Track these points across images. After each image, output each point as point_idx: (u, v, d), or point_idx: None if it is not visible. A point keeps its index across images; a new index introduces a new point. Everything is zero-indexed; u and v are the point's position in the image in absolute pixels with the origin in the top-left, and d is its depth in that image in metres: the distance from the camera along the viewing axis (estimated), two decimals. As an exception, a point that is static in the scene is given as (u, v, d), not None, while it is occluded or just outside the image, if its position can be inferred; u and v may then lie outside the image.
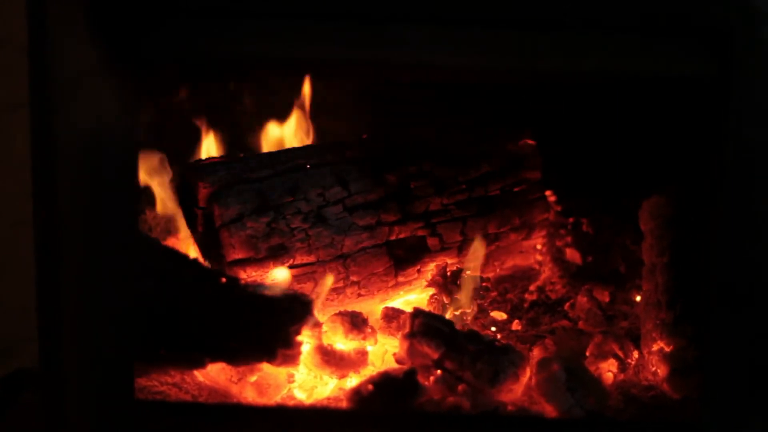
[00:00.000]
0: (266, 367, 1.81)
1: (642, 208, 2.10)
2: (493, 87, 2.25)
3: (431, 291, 2.11)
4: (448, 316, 2.02)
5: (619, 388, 1.87)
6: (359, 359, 1.88)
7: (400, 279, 2.09)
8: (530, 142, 2.28)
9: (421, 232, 2.10)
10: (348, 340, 1.90)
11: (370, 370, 1.88)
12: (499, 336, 2.06)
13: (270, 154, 2.14)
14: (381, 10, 1.47)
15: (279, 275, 1.93)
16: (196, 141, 2.24)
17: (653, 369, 1.89)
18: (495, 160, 2.21)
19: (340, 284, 2.02)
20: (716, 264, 1.52)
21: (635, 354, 1.94)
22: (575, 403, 1.75)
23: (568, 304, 2.16)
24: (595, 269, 2.27)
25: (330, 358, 1.86)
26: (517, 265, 2.28)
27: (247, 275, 1.92)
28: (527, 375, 1.82)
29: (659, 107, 2.19)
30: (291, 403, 1.84)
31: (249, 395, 1.82)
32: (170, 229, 2.26)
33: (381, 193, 2.06)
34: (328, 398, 1.85)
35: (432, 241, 2.11)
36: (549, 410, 1.76)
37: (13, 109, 1.72)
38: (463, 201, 2.15)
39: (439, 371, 1.81)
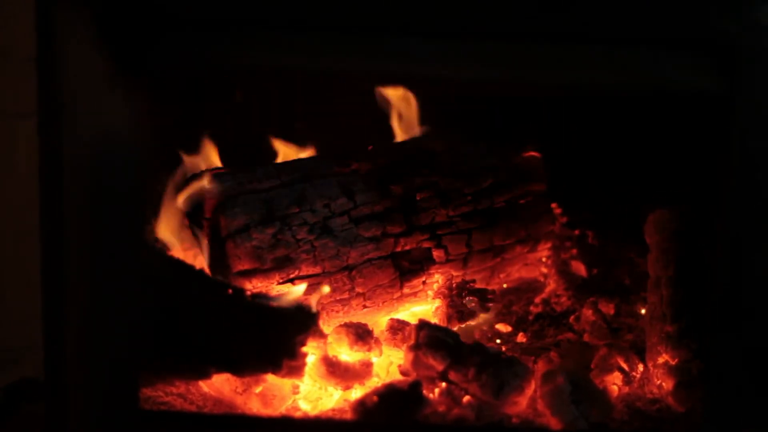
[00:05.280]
0: (271, 378, 1.81)
1: (647, 221, 2.10)
2: (499, 99, 2.25)
3: (436, 303, 2.11)
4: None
5: (624, 401, 1.87)
6: (364, 371, 1.88)
7: (406, 291, 2.08)
8: (536, 154, 2.28)
9: (426, 244, 2.10)
10: (353, 352, 1.90)
11: (375, 382, 1.88)
12: (504, 348, 2.05)
13: (276, 164, 2.14)
14: (385, 23, 1.47)
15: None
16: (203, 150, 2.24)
17: (658, 382, 1.88)
18: (500, 172, 2.21)
19: (346, 296, 2.02)
20: (721, 277, 1.52)
21: (640, 367, 1.94)
22: (580, 416, 1.75)
23: (573, 316, 2.15)
24: (601, 282, 2.27)
25: (335, 370, 1.86)
26: (523, 277, 2.28)
27: (253, 286, 1.92)
28: (532, 387, 1.81)
29: (664, 120, 2.19)
30: (296, 414, 1.84)
31: (254, 406, 1.82)
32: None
33: (387, 205, 2.06)
34: (333, 409, 1.84)
35: (437, 253, 2.11)
36: (554, 423, 1.75)
37: (17, 119, 1.72)
38: (469, 213, 2.15)
39: (443, 383, 1.81)
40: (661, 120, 2.20)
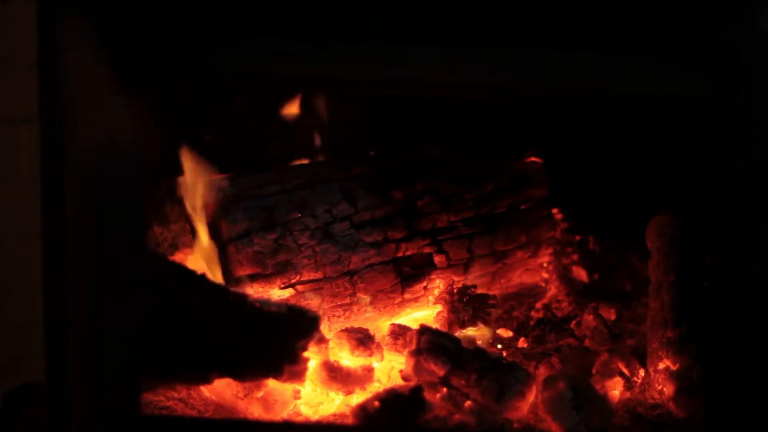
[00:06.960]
0: (272, 383, 1.81)
1: (649, 226, 2.10)
2: (500, 105, 2.25)
3: (438, 308, 2.11)
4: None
5: (625, 407, 1.87)
6: (365, 376, 1.88)
7: (407, 296, 2.09)
8: (537, 160, 2.28)
9: (427, 249, 2.10)
10: (354, 357, 1.90)
11: (377, 387, 1.88)
12: (505, 353, 2.05)
13: (278, 170, 2.14)
14: (386, 30, 1.47)
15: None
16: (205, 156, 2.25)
17: (659, 387, 1.88)
18: (502, 177, 2.21)
19: (347, 301, 2.02)
20: (723, 281, 1.52)
21: (641, 372, 1.94)
22: (581, 422, 1.74)
23: (574, 321, 2.16)
24: (602, 287, 2.27)
25: (336, 375, 1.86)
26: (524, 282, 2.28)
27: (254, 291, 1.92)
28: (533, 393, 1.81)
29: (667, 126, 2.19)
30: (297, 419, 1.84)
31: (255, 411, 1.82)
32: (177, 245, 2.27)
33: (388, 210, 2.06)
34: (335, 414, 1.84)
35: (438, 258, 2.11)
36: (555, 428, 1.75)
37: (18, 124, 1.73)
38: (470, 218, 2.15)
39: (445, 388, 1.81)
40: (663, 125, 2.20)
